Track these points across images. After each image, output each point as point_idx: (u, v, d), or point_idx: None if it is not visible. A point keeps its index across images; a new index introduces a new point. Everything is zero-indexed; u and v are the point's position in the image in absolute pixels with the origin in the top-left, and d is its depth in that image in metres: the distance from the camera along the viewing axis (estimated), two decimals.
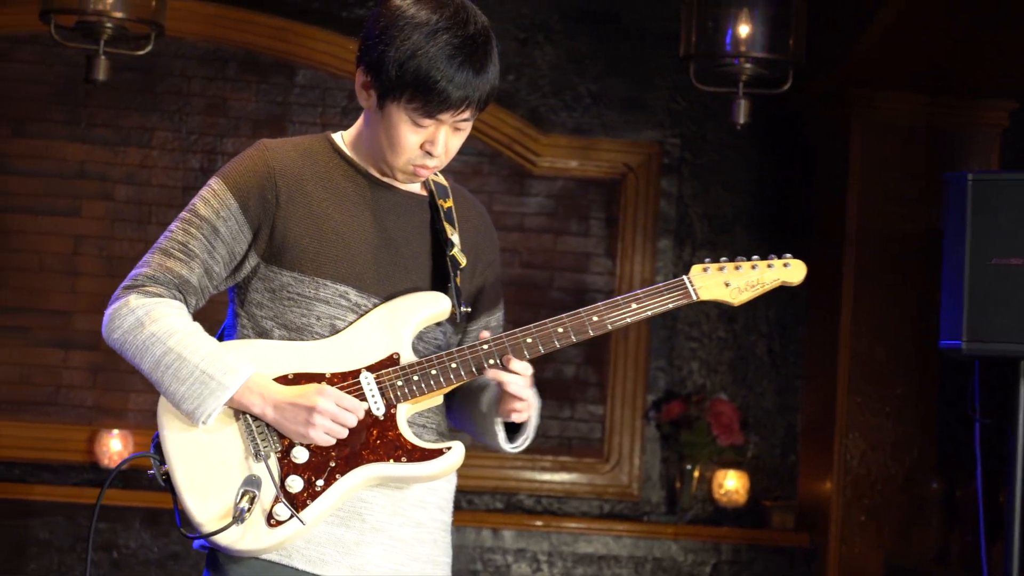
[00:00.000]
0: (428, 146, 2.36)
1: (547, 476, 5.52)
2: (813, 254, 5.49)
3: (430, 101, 2.30)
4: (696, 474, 5.49)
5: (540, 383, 5.54)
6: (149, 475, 2.39)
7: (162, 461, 2.38)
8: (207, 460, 2.36)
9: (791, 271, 2.45)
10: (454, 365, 2.37)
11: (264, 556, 2.34)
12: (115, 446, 5.30)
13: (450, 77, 2.29)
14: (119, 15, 4.66)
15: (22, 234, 5.41)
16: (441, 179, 2.56)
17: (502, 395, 2.42)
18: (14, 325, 5.39)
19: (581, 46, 5.64)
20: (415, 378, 2.36)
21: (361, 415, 2.33)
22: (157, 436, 2.40)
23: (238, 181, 2.43)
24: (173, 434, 2.38)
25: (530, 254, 5.62)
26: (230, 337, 2.48)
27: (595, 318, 2.41)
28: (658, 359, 5.59)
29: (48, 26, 4.73)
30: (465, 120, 2.37)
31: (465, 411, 2.57)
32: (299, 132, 5.46)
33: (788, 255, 2.45)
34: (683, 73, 5.02)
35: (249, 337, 2.44)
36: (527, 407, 2.43)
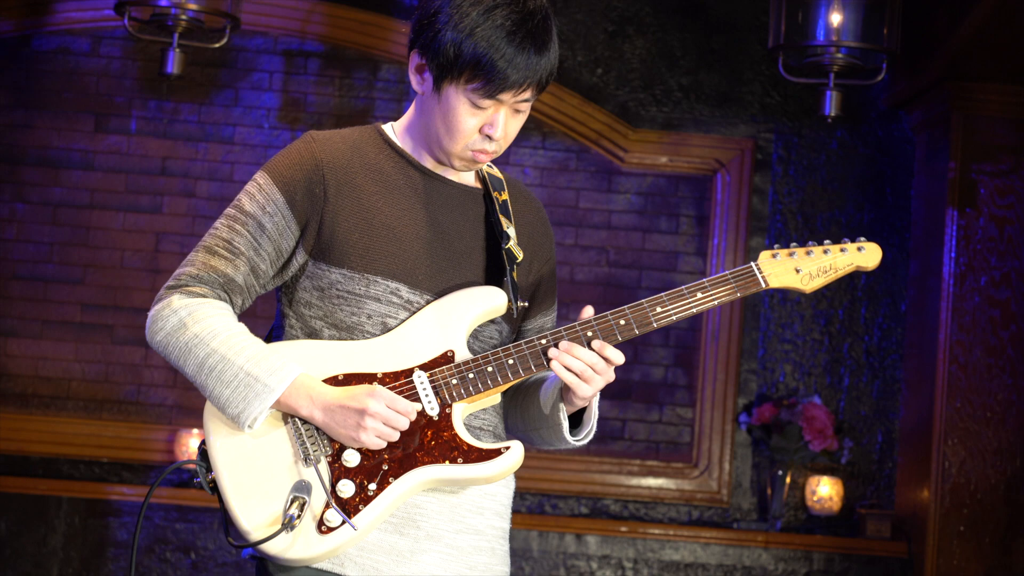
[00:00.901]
0: (488, 129, 2.29)
1: (634, 481, 5.39)
2: (913, 253, 5.44)
3: (491, 81, 2.23)
4: (788, 480, 5.33)
5: (627, 385, 5.51)
6: (196, 483, 2.31)
7: (209, 468, 2.30)
8: (255, 465, 2.27)
9: (866, 255, 2.36)
10: (511, 361, 2.28)
11: (315, 564, 2.25)
12: (195, 446, 5.23)
13: (510, 57, 2.23)
14: (194, 7, 4.61)
15: (104, 231, 5.37)
16: (496, 172, 2.49)
17: (564, 387, 2.32)
18: (96, 323, 5.35)
19: (672, 39, 5.51)
20: (471, 376, 2.28)
21: (414, 417, 2.25)
22: (203, 442, 2.32)
23: (284, 175, 2.35)
24: (219, 439, 2.30)
25: (618, 252, 5.50)
26: (278, 338, 2.40)
27: (659, 309, 2.32)
28: (750, 361, 5.44)
29: (123, 19, 4.68)
30: (525, 101, 2.30)
31: (517, 411, 2.46)
32: None
33: (862, 238, 2.36)
34: (776, 65, 4.86)
35: (298, 337, 2.36)
36: (587, 398, 2.32)
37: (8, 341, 5.32)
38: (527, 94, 2.28)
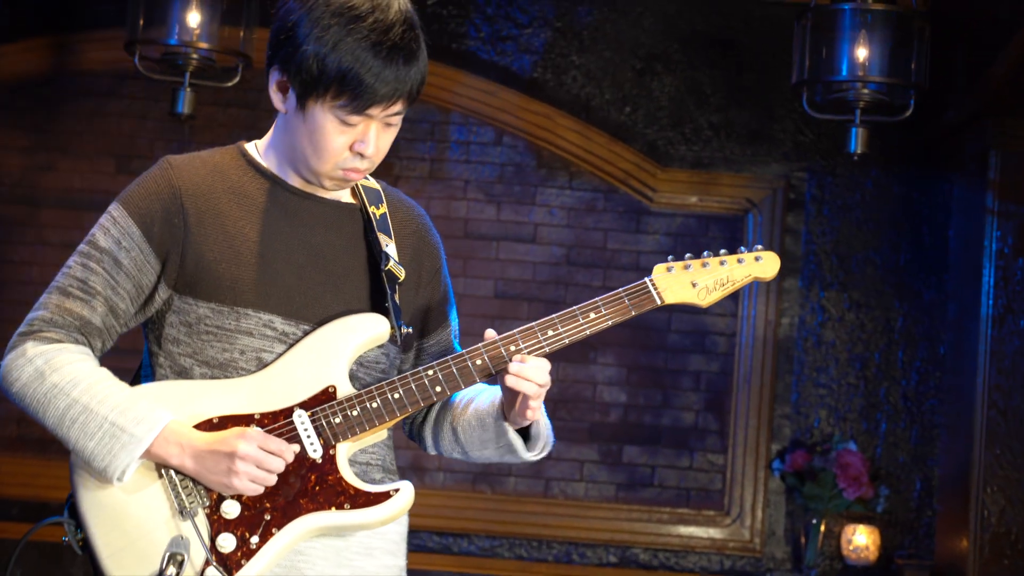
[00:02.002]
0: (358, 146, 2.15)
1: (664, 529, 5.25)
2: (951, 294, 5.31)
3: (359, 96, 2.10)
4: (822, 529, 5.18)
5: (657, 431, 5.38)
6: (64, 542, 2.18)
7: (79, 525, 2.16)
8: (128, 521, 2.13)
9: (763, 265, 2.26)
10: (397, 395, 2.17)
11: None
12: None
13: (378, 70, 2.10)
14: (204, 46, 4.53)
15: None
16: (372, 183, 2.34)
17: (509, 400, 2.21)
18: (120, 367, 5.26)
19: (702, 76, 5.41)
20: (354, 413, 2.16)
21: (290, 458, 2.12)
22: (71, 497, 2.18)
23: (140, 206, 2.20)
24: (89, 494, 2.15)
25: None
26: (148, 379, 2.25)
27: (550, 332, 2.21)
28: (783, 406, 5.30)
29: (133, 59, 4.63)
30: (396, 114, 2.16)
31: (447, 432, 2.34)
32: (407, 168, 5.36)
33: (759, 246, 2.28)
34: (818, 105, 4.75)
35: (167, 378, 2.22)
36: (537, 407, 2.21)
37: None
38: (397, 107, 2.15)
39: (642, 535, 5.24)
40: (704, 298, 2.25)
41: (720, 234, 5.37)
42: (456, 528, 5.19)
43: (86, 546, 2.16)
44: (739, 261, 2.26)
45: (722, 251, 2.27)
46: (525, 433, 2.30)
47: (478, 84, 5.33)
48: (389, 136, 2.20)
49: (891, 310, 5.31)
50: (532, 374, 2.15)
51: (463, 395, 2.34)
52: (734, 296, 5.27)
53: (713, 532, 5.24)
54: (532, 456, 2.31)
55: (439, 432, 2.37)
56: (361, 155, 2.17)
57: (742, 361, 5.29)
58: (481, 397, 2.31)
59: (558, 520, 5.19)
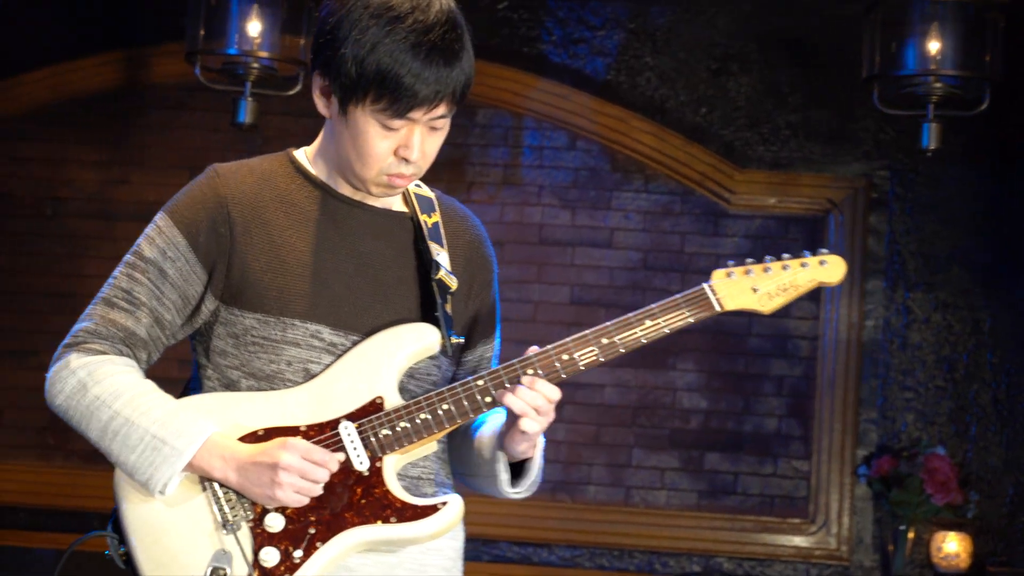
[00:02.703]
0: (402, 151, 2.09)
1: (748, 537, 5.15)
2: None
3: (398, 100, 2.04)
4: (911, 536, 5.04)
5: (739, 437, 5.30)
6: (106, 556, 2.15)
7: (122, 540, 2.14)
8: (171, 535, 2.10)
9: (828, 269, 2.17)
10: (446, 407, 2.11)
11: None
12: None
13: (417, 71, 2.03)
14: (265, 55, 4.50)
15: None
16: (426, 191, 2.29)
17: (510, 428, 2.14)
18: (183, 378, 5.27)
19: (779, 75, 5.30)
20: (402, 425, 2.11)
21: (334, 468, 2.07)
22: (115, 511, 2.15)
23: (186, 215, 2.17)
24: (132, 507, 2.12)
25: None
26: (195, 391, 2.21)
27: (604, 340, 2.13)
28: (869, 410, 5.17)
29: (194, 68, 4.63)
30: (441, 117, 2.10)
31: (452, 453, 2.28)
32: (481, 175, 5.31)
33: (824, 250, 2.19)
34: (891, 101, 4.64)
35: (215, 390, 2.18)
36: (533, 441, 2.15)
37: None
38: (440, 110, 2.09)
39: (725, 544, 5.14)
40: (765, 304, 2.17)
41: (800, 235, 5.26)
42: (536, 538, 5.13)
43: (129, 561, 2.14)
44: (803, 265, 2.18)
45: (784, 255, 2.19)
46: (519, 468, 2.22)
47: (551, 88, 5.26)
48: (436, 140, 2.14)
49: (979, 310, 5.17)
50: (530, 397, 2.09)
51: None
52: (816, 298, 5.19)
53: (798, 540, 5.13)
54: (513, 493, 2.22)
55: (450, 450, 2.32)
56: (406, 160, 2.11)
57: (825, 365, 5.17)
58: (492, 419, 2.24)
59: (639, 529, 5.11)
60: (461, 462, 2.28)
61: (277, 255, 2.16)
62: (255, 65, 4.52)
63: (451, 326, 2.19)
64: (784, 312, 5.07)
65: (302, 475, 2.05)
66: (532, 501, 4.98)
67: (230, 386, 2.17)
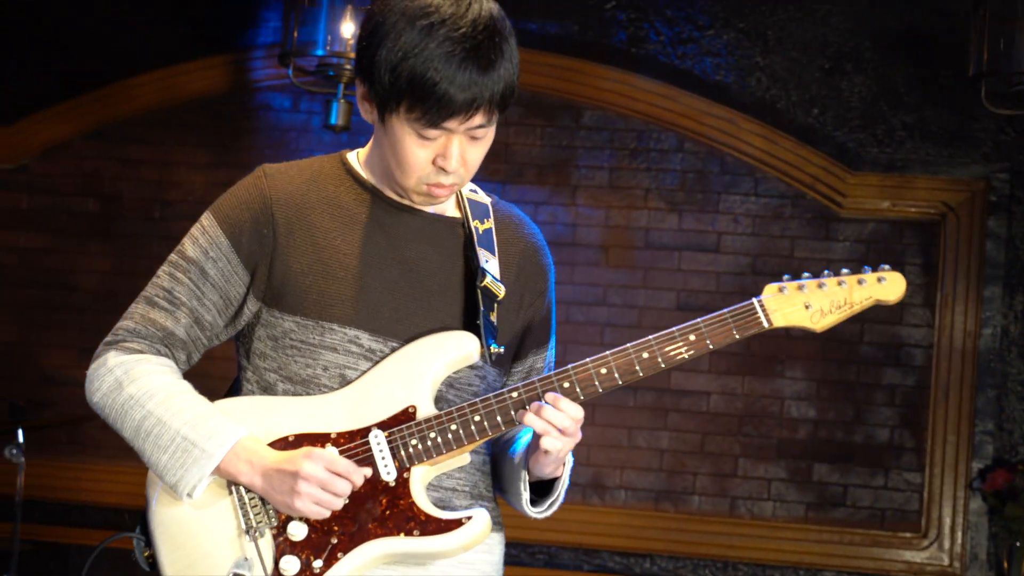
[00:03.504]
0: (440, 161, 2.04)
1: (857, 551, 5.01)
2: None
3: (430, 108, 1.98)
4: None
5: (849, 448, 5.18)
6: (132, 559, 2.13)
7: (148, 542, 2.11)
8: (195, 540, 2.07)
9: (887, 287, 2.12)
10: (478, 418, 2.05)
11: None
12: None
13: (451, 78, 1.96)
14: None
15: None
16: (481, 196, 2.23)
17: (535, 447, 2.09)
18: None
19: (895, 74, 5.15)
20: (432, 435, 2.05)
21: (358, 481, 2.02)
22: (145, 512, 2.13)
23: (229, 215, 2.13)
24: (161, 510, 2.10)
25: None
26: (236, 394, 2.19)
27: (645, 355, 2.07)
28: (984, 422, 5.00)
29: (287, 70, 4.65)
30: (480, 127, 2.02)
31: (495, 467, 2.23)
32: (586, 178, 5.24)
33: (885, 266, 2.13)
34: (1001, 99, 4.47)
35: (253, 393, 2.15)
36: (559, 460, 2.10)
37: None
38: (478, 119, 2.01)
39: (834, 557, 5.01)
40: (818, 322, 2.10)
41: (914, 240, 5.11)
42: (638, 548, 5.06)
43: (153, 564, 2.11)
44: (860, 282, 2.12)
45: (843, 271, 2.14)
46: (548, 487, 2.19)
47: (658, 89, 5.18)
48: (477, 150, 2.07)
49: None
50: (551, 416, 2.02)
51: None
52: (931, 305, 5.03)
53: (909, 555, 4.99)
54: (533, 513, 2.19)
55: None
56: (444, 170, 2.05)
57: (940, 374, 5.02)
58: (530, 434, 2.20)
59: (744, 541, 5.01)
60: (497, 476, 2.24)
61: (320, 258, 2.11)
62: (347, 67, 4.51)
63: (493, 335, 2.13)
64: (897, 319, 5.08)
65: (323, 486, 2.00)
66: (635, 511, 5.08)
67: (267, 389, 2.14)
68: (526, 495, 2.16)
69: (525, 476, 2.14)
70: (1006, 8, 4.30)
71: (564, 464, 2.15)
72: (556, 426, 2.03)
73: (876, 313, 4.93)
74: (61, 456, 5.27)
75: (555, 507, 2.21)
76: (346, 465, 2.02)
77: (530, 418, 2.03)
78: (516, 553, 5.03)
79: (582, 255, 5.16)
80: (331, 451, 2.04)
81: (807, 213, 5.15)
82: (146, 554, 2.13)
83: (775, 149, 5.13)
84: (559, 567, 5.06)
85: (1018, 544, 4.84)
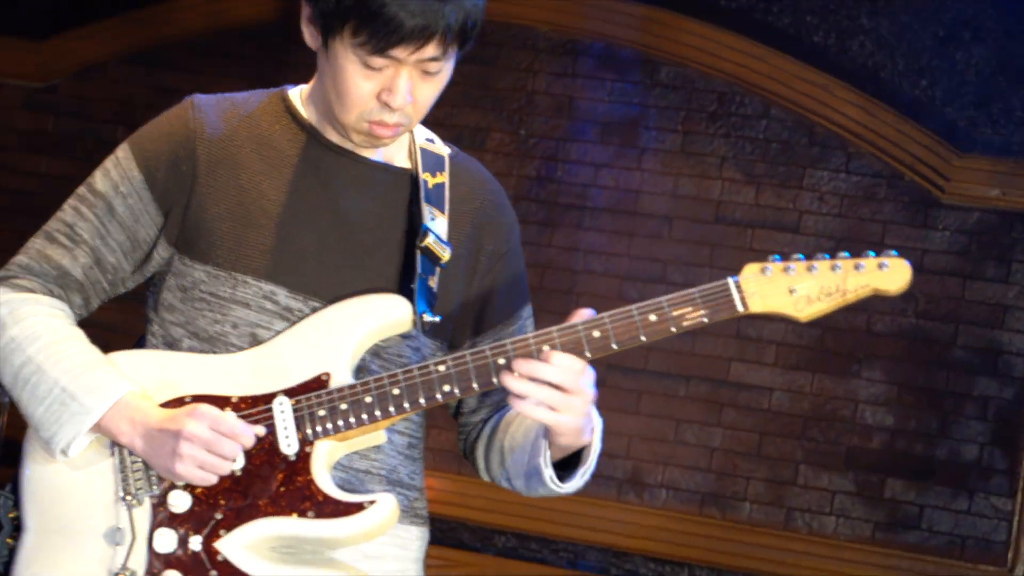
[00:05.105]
0: (385, 95, 1.94)
1: None
2: None
3: (377, 32, 1.88)
4: None
5: (929, 463, 4.73)
6: None
7: (16, 503, 2.04)
8: (66, 504, 2.00)
9: (888, 275, 1.90)
10: (396, 392, 1.94)
11: None
12: None
13: (397, 2, 1.88)
14: None
15: None
16: (439, 147, 2.14)
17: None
18: None
19: (1018, 47, 4.75)
20: (342, 407, 1.95)
21: (248, 443, 1.92)
22: (18, 469, 2.05)
23: (147, 147, 2.04)
24: (34, 467, 2.02)
25: (929, 301, 4.77)
26: (140, 347, 2.10)
27: (596, 333, 1.91)
28: None
29: None
30: (432, 60, 1.92)
31: (496, 453, 2.13)
32: (655, 140, 4.98)
33: (893, 252, 1.91)
34: None
35: (157, 348, 2.07)
36: (575, 431, 1.93)
37: None
38: (431, 50, 1.90)
39: None
40: (802, 310, 1.92)
41: None
42: (675, 555, 4.81)
43: (19, 527, 2.04)
44: (857, 267, 1.91)
45: (840, 254, 1.93)
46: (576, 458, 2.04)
47: (745, 47, 4.88)
48: (429, 88, 1.97)
49: None
50: (544, 371, 1.87)
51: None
52: None
53: None
54: (559, 489, 2.03)
55: (490, 451, 2.14)
56: (388, 105, 1.95)
57: None
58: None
59: (798, 558, 4.69)
60: (509, 465, 2.13)
61: (241, 201, 2.03)
62: None
63: (429, 303, 2.02)
64: (999, 322, 4.64)
65: (207, 447, 1.91)
66: (675, 513, 4.74)
67: (172, 345, 2.05)
68: (548, 470, 2.02)
69: (545, 446, 2.00)
70: None
71: (589, 431, 1.99)
72: (543, 380, 1.88)
73: (974, 313, 4.65)
74: None
75: (587, 477, 2.08)
76: (233, 424, 1.92)
77: (506, 378, 1.90)
78: (537, 548, 4.85)
79: (643, 225, 4.90)
80: (222, 412, 1.94)
81: (904, 196, 4.81)
82: (12, 515, 2.05)
83: (873, 122, 4.78)
84: (584, 568, 4.84)
85: None
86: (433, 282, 2.05)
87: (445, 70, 1.96)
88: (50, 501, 2.02)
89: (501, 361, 1.92)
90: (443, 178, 2.11)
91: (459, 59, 1.99)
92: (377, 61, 1.93)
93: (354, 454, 2.03)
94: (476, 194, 2.14)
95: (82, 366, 1.99)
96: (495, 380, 1.93)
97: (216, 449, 1.91)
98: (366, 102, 1.96)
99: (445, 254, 2.04)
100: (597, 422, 2.01)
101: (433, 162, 2.12)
